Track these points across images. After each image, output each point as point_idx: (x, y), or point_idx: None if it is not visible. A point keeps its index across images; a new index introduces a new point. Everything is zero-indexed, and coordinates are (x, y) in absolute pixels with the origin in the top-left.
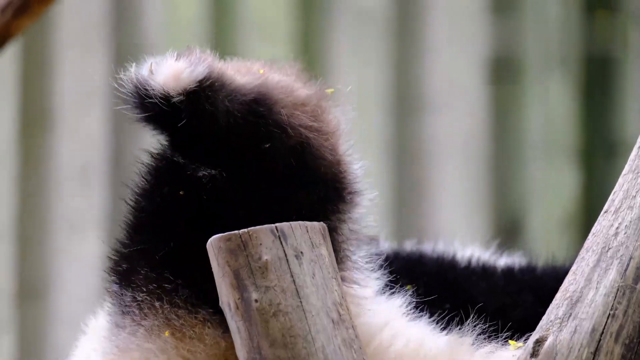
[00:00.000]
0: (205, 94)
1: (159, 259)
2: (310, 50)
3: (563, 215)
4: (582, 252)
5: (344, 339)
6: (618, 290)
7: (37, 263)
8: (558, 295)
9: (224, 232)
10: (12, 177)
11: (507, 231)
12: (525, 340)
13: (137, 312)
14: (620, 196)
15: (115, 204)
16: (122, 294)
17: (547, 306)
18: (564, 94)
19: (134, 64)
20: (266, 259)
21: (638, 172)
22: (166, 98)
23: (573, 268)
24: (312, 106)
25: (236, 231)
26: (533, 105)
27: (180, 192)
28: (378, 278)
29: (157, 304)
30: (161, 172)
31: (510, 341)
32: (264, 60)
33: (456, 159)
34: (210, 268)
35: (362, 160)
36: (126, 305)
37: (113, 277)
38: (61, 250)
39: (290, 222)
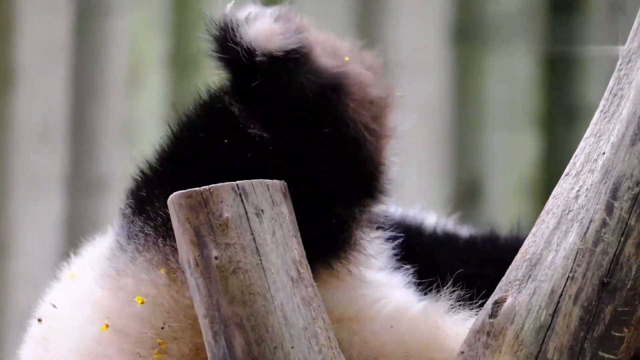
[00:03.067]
0: (288, 65)
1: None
2: None
3: (524, 180)
4: (543, 215)
5: (302, 297)
6: (578, 252)
7: None
8: (518, 257)
9: None
10: None
11: (468, 195)
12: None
13: (142, 241)
14: (581, 159)
15: (75, 164)
16: (133, 219)
17: None
18: (525, 58)
19: (231, 2)
20: (227, 217)
21: (600, 136)
22: (250, 52)
23: (533, 230)
24: (378, 107)
25: (197, 188)
26: (494, 70)
27: (225, 140)
28: (383, 258)
29: (160, 240)
30: (214, 113)
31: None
32: (353, 41)
33: (417, 121)
34: None
35: (398, 166)
36: (134, 232)
37: (130, 200)
38: (21, 210)
39: (251, 180)
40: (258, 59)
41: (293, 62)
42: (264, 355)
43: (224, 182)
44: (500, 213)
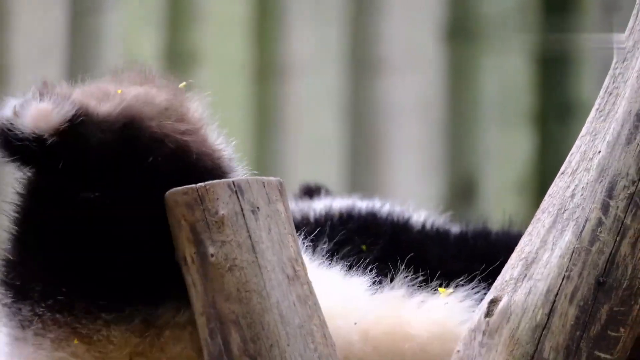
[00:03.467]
0: (77, 131)
1: (51, 274)
2: (267, 10)
3: (518, 178)
4: (538, 213)
5: (299, 295)
6: (573, 252)
7: None
8: (513, 256)
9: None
10: None
11: (462, 193)
12: (454, 287)
13: (40, 325)
14: (577, 158)
15: None
16: (19, 308)
17: (497, 275)
18: (519, 56)
19: None
20: (223, 214)
21: (595, 134)
22: (39, 140)
23: (529, 229)
24: (175, 108)
25: (193, 185)
26: (489, 67)
27: (58, 213)
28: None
29: (58, 316)
30: (42, 192)
31: (439, 289)
32: (114, 70)
33: (412, 120)
34: (102, 274)
35: (229, 140)
36: (26, 319)
37: (7, 291)
38: None
39: (247, 177)
40: (49, 141)
41: (80, 126)
42: (260, 353)
43: (82, 247)
44: (495, 210)
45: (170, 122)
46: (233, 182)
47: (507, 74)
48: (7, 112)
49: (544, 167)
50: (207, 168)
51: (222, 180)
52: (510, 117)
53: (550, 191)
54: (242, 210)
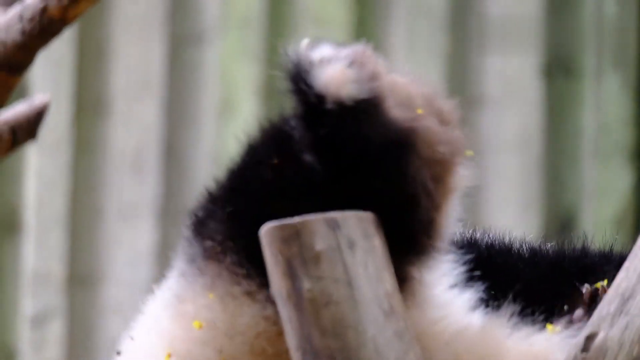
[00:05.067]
0: (357, 115)
1: (227, 217)
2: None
3: (616, 213)
4: (636, 249)
5: (395, 330)
6: None
7: (89, 251)
8: (610, 291)
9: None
10: (66, 163)
11: (560, 228)
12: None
13: (199, 264)
14: None
15: (167, 193)
16: (191, 243)
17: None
18: (617, 91)
19: (306, 40)
20: (319, 249)
21: None
22: (320, 98)
23: (626, 264)
24: (443, 166)
25: (290, 220)
26: (587, 102)
27: (275, 161)
28: (451, 277)
29: (214, 263)
30: (273, 134)
31: (547, 325)
32: (428, 81)
33: (510, 155)
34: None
35: (463, 222)
36: (192, 255)
37: (190, 223)
38: (114, 239)
39: (343, 212)
40: (328, 106)
41: (363, 112)
42: None
43: (266, 202)
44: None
45: (428, 173)
46: (330, 217)
47: (605, 109)
48: (315, 56)
49: None
50: (418, 231)
51: (319, 215)
52: (608, 152)
53: None
54: (338, 245)
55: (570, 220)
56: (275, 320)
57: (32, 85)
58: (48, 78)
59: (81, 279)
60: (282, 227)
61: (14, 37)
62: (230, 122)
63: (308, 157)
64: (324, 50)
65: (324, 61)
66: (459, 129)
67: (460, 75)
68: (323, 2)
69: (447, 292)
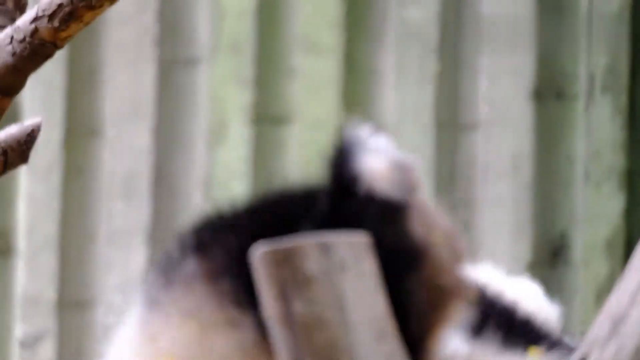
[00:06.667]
0: (379, 212)
1: (238, 243)
2: (356, 70)
3: (607, 238)
4: (627, 272)
5: (386, 353)
6: None
7: (80, 275)
8: (601, 315)
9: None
10: (57, 187)
11: (551, 252)
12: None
13: (180, 290)
14: None
15: (158, 217)
16: (173, 265)
17: None
18: (608, 115)
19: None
20: (311, 272)
21: None
22: (352, 181)
23: (617, 287)
24: (441, 295)
25: (282, 243)
26: (578, 126)
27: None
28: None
29: (206, 280)
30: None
31: (530, 347)
32: (453, 225)
33: (499, 179)
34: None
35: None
36: (170, 279)
37: (177, 246)
38: (104, 263)
39: (335, 236)
40: (356, 190)
41: (386, 211)
42: None
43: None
44: (584, 269)
45: (425, 296)
46: (321, 241)
47: (596, 133)
48: (369, 142)
49: (632, 227)
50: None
51: (310, 238)
52: (599, 176)
53: (638, 249)
54: (330, 268)
55: (562, 245)
56: (263, 346)
57: (23, 109)
58: (39, 102)
59: (72, 302)
60: (274, 251)
61: (5, 59)
62: (221, 147)
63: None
64: (379, 142)
65: (369, 149)
66: (465, 272)
67: (449, 99)
68: (314, 27)
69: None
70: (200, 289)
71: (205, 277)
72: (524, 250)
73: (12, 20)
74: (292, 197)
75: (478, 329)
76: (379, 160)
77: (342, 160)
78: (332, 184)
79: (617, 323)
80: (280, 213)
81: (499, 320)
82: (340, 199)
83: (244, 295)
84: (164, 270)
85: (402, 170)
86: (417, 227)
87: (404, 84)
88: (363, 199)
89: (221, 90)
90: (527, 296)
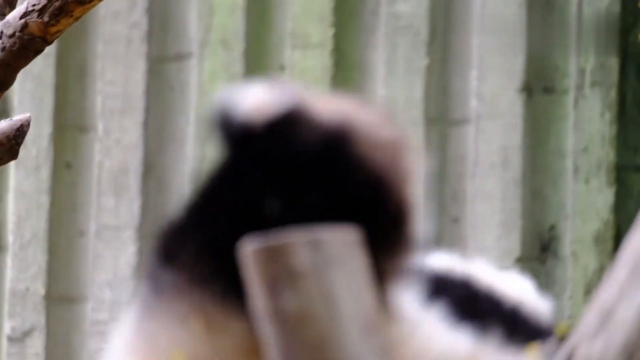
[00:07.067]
0: (287, 128)
1: (200, 245)
2: (347, 62)
3: (597, 231)
4: (615, 266)
5: (374, 348)
6: None
7: (69, 270)
8: (589, 309)
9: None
10: (46, 182)
11: (540, 248)
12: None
13: (171, 295)
14: None
15: (148, 213)
16: (160, 275)
17: None
18: (598, 110)
19: (223, 89)
20: (300, 267)
21: None
22: (247, 126)
23: (605, 282)
24: (391, 149)
25: (271, 239)
26: (567, 121)
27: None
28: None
29: (191, 288)
30: (226, 172)
31: (529, 345)
32: (352, 95)
33: (489, 174)
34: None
35: (423, 215)
36: (162, 287)
37: (157, 257)
38: (94, 258)
39: (325, 230)
40: (256, 130)
41: (292, 124)
42: None
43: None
44: (574, 263)
45: (379, 156)
46: (311, 235)
47: (585, 127)
48: (232, 96)
49: (621, 221)
50: (393, 215)
51: (299, 233)
52: (588, 170)
53: (627, 243)
54: (319, 263)
55: (551, 239)
56: (256, 338)
57: (13, 104)
58: (28, 97)
59: (61, 297)
60: (262, 244)
61: None
62: (212, 142)
63: (264, 193)
64: (238, 89)
65: (240, 96)
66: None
67: (440, 93)
68: (303, 22)
69: (413, 309)
70: (184, 297)
71: (186, 286)
72: (514, 244)
73: (2, 15)
74: (220, 183)
75: (431, 301)
76: (249, 97)
77: (228, 122)
78: (234, 141)
79: (606, 317)
80: (224, 202)
81: (476, 306)
82: (249, 145)
83: (227, 297)
84: (151, 278)
85: (274, 88)
86: (323, 114)
87: (394, 78)
88: (267, 132)
89: (211, 85)
90: (518, 290)
